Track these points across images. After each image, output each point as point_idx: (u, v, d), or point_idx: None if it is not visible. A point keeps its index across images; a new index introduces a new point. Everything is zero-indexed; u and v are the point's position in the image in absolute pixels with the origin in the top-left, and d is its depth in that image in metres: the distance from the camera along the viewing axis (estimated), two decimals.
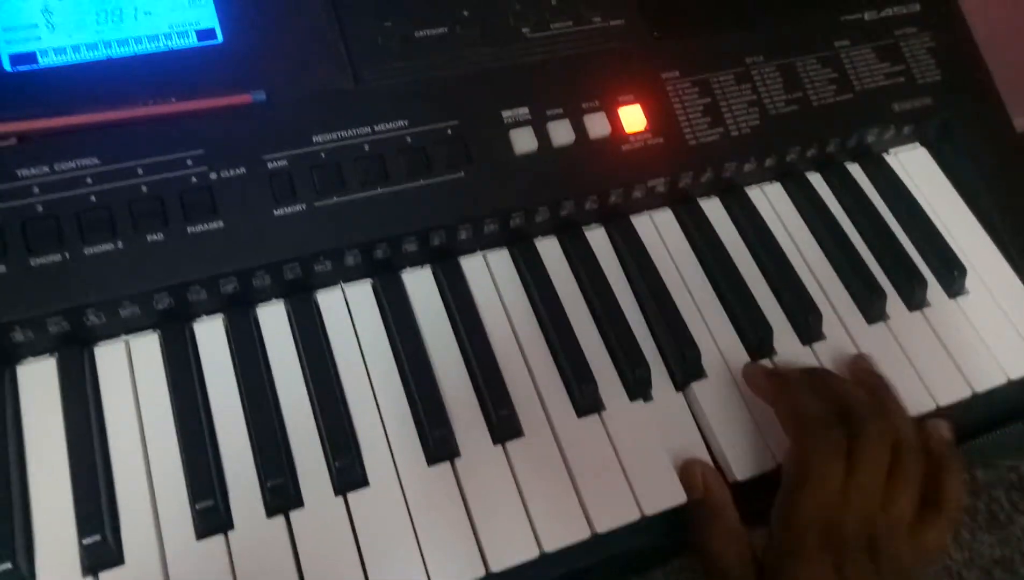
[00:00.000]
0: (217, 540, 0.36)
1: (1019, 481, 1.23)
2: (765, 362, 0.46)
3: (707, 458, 0.43)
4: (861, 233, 0.52)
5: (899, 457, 0.39)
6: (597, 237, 0.49)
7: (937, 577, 0.61)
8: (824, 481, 0.38)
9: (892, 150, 0.57)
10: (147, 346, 0.41)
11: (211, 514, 0.36)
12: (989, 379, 0.47)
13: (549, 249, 0.48)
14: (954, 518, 0.41)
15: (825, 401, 0.41)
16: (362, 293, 0.44)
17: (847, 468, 0.38)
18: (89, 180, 0.39)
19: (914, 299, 0.49)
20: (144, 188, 0.40)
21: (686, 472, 0.42)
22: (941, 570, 0.65)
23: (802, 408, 0.41)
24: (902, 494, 0.39)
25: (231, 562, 0.36)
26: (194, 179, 0.41)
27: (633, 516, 0.40)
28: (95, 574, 0.35)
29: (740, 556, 0.39)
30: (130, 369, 0.40)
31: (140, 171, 0.40)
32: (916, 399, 0.46)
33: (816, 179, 0.54)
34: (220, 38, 0.44)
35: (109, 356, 0.40)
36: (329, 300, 0.44)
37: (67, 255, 0.38)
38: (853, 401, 0.41)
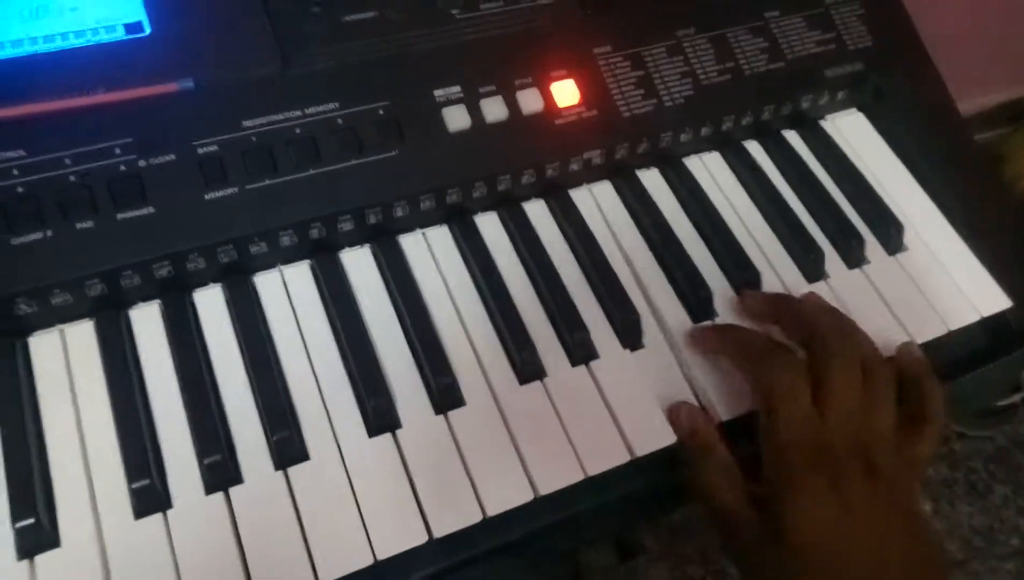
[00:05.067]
0: (155, 519, 0.36)
1: (996, 452, 1.24)
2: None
3: (655, 418, 0.43)
4: (799, 196, 0.53)
5: (868, 372, 0.41)
6: (537, 211, 0.49)
7: None
8: (790, 401, 0.39)
9: (829, 116, 0.57)
10: (82, 334, 0.41)
11: (147, 493, 0.36)
12: (930, 330, 0.48)
13: (488, 224, 0.48)
14: (939, 429, 0.42)
15: (786, 328, 0.43)
16: (301, 274, 0.44)
17: (820, 385, 0.39)
18: (15, 172, 0.39)
19: (853, 256, 0.50)
20: (72, 177, 0.40)
21: (671, 413, 0.42)
22: None
23: (747, 344, 0.42)
24: (880, 406, 0.40)
25: (170, 541, 0.36)
26: (123, 167, 0.41)
27: (576, 477, 0.40)
28: (30, 557, 0.35)
29: (735, 492, 0.39)
30: (65, 357, 0.40)
31: (68, 161, 0.40)
32: None
33: (754, 147, 0.55)
34: (148, 30, 0.45)
35: (44, 346, 0.40)
36: (267, 282, 0.44)
37: None
38: (815, 321, 0.42)
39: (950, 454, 1.20)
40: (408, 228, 0.47)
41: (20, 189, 0.39)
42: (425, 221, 0.47)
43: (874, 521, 0.37)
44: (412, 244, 0.46)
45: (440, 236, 0.47)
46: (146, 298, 0.42)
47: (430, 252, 0.46)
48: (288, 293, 0.44)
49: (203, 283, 0.43)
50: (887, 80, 0.57)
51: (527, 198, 0.50)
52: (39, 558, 0.35)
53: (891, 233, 0.51)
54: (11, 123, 0.40)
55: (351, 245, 0.46)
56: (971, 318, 0.49)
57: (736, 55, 0.53)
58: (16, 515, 0.35)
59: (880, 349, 0.46)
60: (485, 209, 0.49)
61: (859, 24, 0.57)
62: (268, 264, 0.44)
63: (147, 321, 0.42)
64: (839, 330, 0.42)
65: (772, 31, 0.55)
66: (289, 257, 0.45)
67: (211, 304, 0.43)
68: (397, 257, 0.46)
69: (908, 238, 0.52)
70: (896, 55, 0.57)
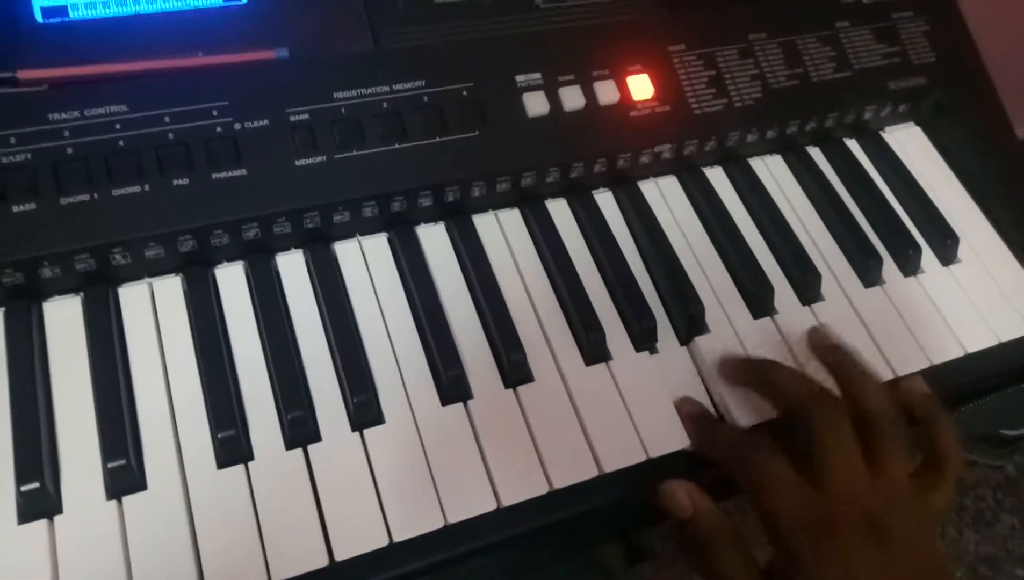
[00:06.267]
0: (237, 470, 0.38)
1: (1005, 481, 1.25)
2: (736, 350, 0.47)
3: (710, 408, 0.44)
4: (858, 203, 0.54)
5: (871, 427, 0.38)
6: (605, 200, 0.50)
7: None
8: (775, 491, 0.37)
9: (888, 128, 0.59)
10: (170, 288, 0.42)
11: (232, 444, 0.37)
12: (980, 340, 0.49)
13: (559, 210, 0.49)
14: (955, 471, 0.40)
15: (764, 397, 0.42)
16: (378, 245, 0.46)
17: (812, 460, 0.37)
18: (118, 125, 0.41)
19: (909, 265, 0.51)
20: (171, 135, 0.41)
21: (669, 495, 0.40)
22: None
23: (716, 441, 0.41)
24: (888, 463, 0.37)
25: (251, 491, 0.37)
26: (219, 128, 0.42)
27: (638, 458, 0.41)
28: (118, 498, 0.36)
29: (748, 572, 0.37)
30: (153, 309, 0.41)
31: (167, 119, 0.41)
32: (910, 358, 0.47)
33: (816, 153, 0.56)
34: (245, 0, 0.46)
35: (133, 296, 0.41)
36: (347, 251, 0.45)
37: (95, 195, 0.39)
38: (793, 391, 0.40)
39: (959, 481, 1.20)
40: (482, 208, 0.48)
41: (121, 143, 0.40)
42: (499, 203, 0.48)
43: None
44: (485, 224, 0.48)
45: (512, 218, 0.48)
46: (231, 258, 0.43)
47: (502, 233, 0.48)
48: (366, 263, 0.45)
49: (286, 248, 0.44)
50: (948, 96, 0.58)
51: (596, 187, 0.51)
52: (127, 499, 0.36)
53: (947, 245, 0.52)
54: (114, 79, 0.42)
55: (427, 221, 0.47)
56: (1021, 331, 0.50)
57: (805, 62, 0.54)
58: (107, 455, 0.36)
59: (927, 354, 0.47)
60: (555, 195, 0.50)
61: (923, 40, 0.58)
62: (348, 233, 0.45)
63: (232, 280, 0.43)
64: (818, 396, 0.39)
65: (840, 41, 0.56)
66: (368, 228, 0.46)
67: (293, 268, 0.44)
68: (471, 235, 0.47)
69: (961, 251, 0.53)
70: (958, 72, 0.58)
